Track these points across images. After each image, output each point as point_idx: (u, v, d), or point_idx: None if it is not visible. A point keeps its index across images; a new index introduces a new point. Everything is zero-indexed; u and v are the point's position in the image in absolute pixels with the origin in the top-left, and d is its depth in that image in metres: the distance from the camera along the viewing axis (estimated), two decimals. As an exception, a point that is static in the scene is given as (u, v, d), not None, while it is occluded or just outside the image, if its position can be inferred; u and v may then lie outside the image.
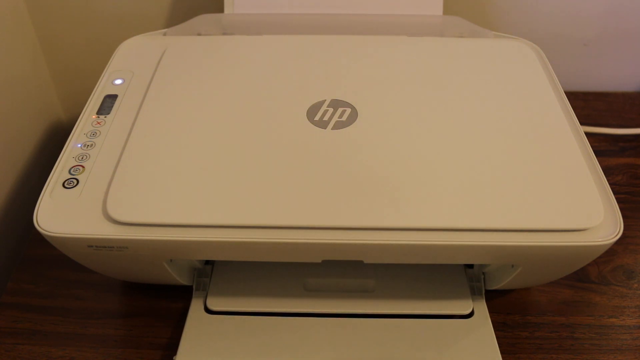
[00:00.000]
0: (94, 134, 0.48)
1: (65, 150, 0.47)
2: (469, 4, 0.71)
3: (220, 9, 0.63)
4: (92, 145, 0.47)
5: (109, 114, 0.50)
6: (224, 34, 0.61)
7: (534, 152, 0.45)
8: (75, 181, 0.44)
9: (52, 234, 0.41)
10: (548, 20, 0.74)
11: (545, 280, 0.53)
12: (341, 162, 0.44)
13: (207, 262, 0.52)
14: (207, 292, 0.50)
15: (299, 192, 0.42)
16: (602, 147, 0.70)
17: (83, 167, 0.45)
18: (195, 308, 0.49)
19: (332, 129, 0.47)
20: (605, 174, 0.45)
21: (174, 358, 0.45)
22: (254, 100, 0.50)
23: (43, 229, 0.41)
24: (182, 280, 0.49)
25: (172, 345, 0.49)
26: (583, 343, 0.50)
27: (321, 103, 0.49)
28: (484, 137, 0.46)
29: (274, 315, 0.48)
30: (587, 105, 0.76)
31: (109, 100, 0.51)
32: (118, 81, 0.53)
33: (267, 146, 0.45)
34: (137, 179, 0.43)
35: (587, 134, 0.48)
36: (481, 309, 0.49)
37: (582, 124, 0.49)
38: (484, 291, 0.50)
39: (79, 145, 0.47)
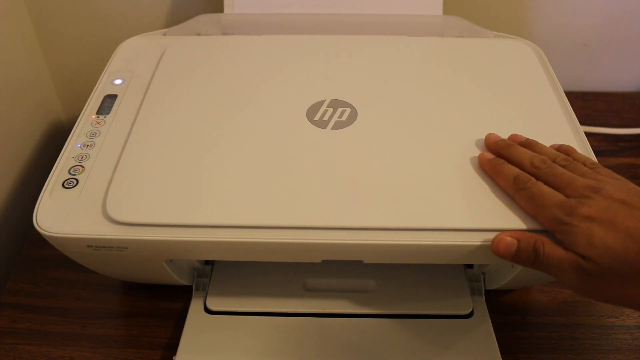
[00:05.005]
0: (93, 134, 0.48)
1: (65, 150, 0.47)
2: (469, 4, 0.71)
3: (220, 9, 0.63)
4: (91, 145, 0.47)
5: (108, 114, 0.50)
6: (224, 34, 0.61)
7: (534, 152, 0.45)
8: (75, 181, 0.44)
9: (51, 234, 0.41)
10: (548, 20, 0.74)
11: (545, 280, 0.53)
12: (341, 162, 0.44)
13: (207, 262, 0.52)
14: (207, 292, 0.50)
15: (298, 192, 0.42)
16: (602, 147, 0.70)
17: (83, 167, 0.45)
18: (195, 308, 0.49)
19: (331, 129, 0.47)
20: (605, 174, 0.45)
21: (173, 358, 0.45)
22: (253, 100, 0.50)
23: (43, 229, 0.41)
24: (182, 280, 0.49)
25: (172, 345, 0.49)
26: (583, 343, 0.50)
27: (321, 103, 0.49)
28: (484, 137, 0.46)
29: (274, 315, 0.48)
30: (587, 105, 0.76)
31: (109, 100, 0.51)
32: (118, 81, 0.53)
33: (267, 146, 0.45)
34: (136, 179, 0.43)
35: (587, 134, 0.48)
36: (481, 309, 0.49)
37: (582, 124, 0.49)
38: (484, 291, 0.50)
39: (79, 145, 0.47)
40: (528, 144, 0.44)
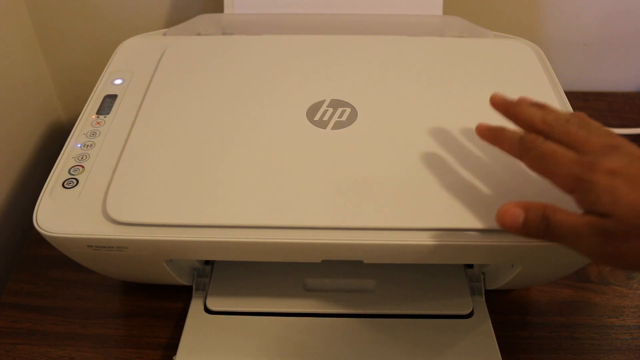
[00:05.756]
0: (93, 134, 0.48)
1: (65, 150, 0.47)
2: (469, 4, 0.71)
3: (220, 9, 0.63)
4: (91, 145, 0.47)
5: (108, 114, 0.50)
6: (224, 34, 0.61)
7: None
8: (75, 181, 0.44)
9: (51, 234, 0.41)
10: (548, 20, 0.74)
11: (545, 281, 0.53)
12: (341, 162, 0.44)
13: (207, 262, 0.52)
14: (207, 292, 0.50)
15: (298, 192, 0.42)
16: (602, 147, 0.70)
17: (83, 167, 0.45)
18: (195, 308, 0.49)
19: (332, 129, 0.47)
20: (605, 174, 0.44)
21: (173, 358, 0.45)
22: (253, 100, 0.50)
23: (43, 229, 0.41)
24: (182, 280, 0.49)
25: (172, 345, 0.48)
26: (583, 343, 0.50)
27: (321, 103, 0.49)
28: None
29: (274, 315, 0.48)
30: (587, 105, 0.76)
31: (109, 100, 0.51)
32: (118, 81, 0.53)
33: (267, 146, 0.45)
34: (136, 179, 0.43)
35: (587, 134, 0.48)
36: (481, 309, 0.49)
37: (582, 123, 0.49)
38: (484, 291, 0.50)
39: (79, 145, 0.47)
40: (538, 105, 0.41)
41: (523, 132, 0.39)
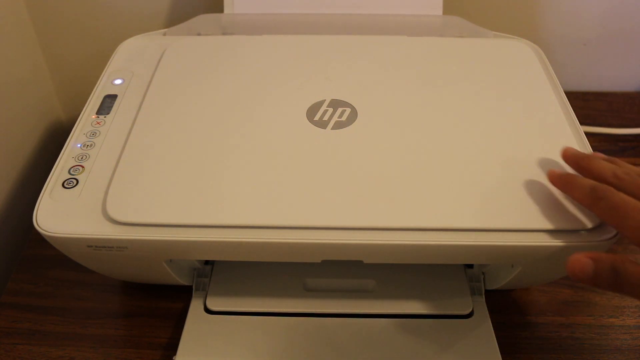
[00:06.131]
0: (93, 134, 0.48)
1: (64, 150, 0.47)
2: (469, 4, 0.71)
3: (220, 9, 0.63)
4: (91, 145, 0.47)
5: (108, 114, 0.50)
6: (224, 34, 0.61)
7: (534, 153, 0.45)
8: (74, 181, 0.44)
9: (51, 234, 0.41)
10: (548, 20, 0.74)
11: (545, 280, 0.53)
12: (341, 162, 0.44)
13: (207, 262, 0.52)
14: (207, 292, 0.50)
15: (298, 192, 0.42)
16: (602, 147, 0.70)
17: (83, 167, 0.45)
18: (195, 308, 0.49)
19: (331, 129, 0.47)
20: (605, 174, 0.45)
21: (173, 358, 0.45)
22: (253, 100, 0.50)
23: (43, 229, 0.41)
24: (182, 280, 0.49)
25: (172, 345, 0.48)
26: (583, 343, 0.50)
27: (321, 103, 0.49)
28: (484, 137, 0.46)
29: (274, 315, 0.48)
30: (587, 105, 0.76)
31: (109, 100, 0.51)
32: (118, 81, 0.53)
33: (267, 146, 0.45)
34: (136, 179, 0.43)
35: (587, 134, 0.48)
36: (481, 309, 0.49)
37: (582, 124, 0.49)
38: (484, 291, 0.50)
39: (79, 145, 0.47)
40: (610, 160, 0.42)
41: (594, 181, 0.39)
